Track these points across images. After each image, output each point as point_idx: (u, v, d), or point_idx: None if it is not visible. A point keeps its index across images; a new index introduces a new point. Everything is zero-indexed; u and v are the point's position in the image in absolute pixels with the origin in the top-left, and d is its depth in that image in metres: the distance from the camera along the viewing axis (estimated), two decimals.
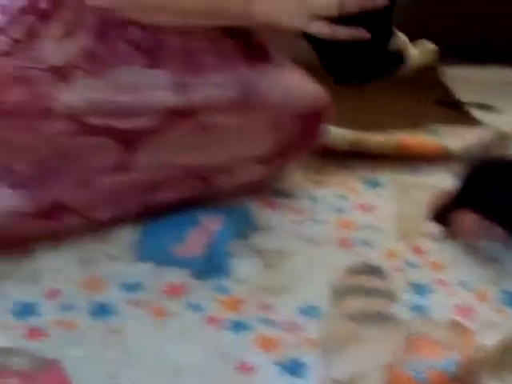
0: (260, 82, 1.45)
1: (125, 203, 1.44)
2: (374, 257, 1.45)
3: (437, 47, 2.13)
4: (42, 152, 1.31)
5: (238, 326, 1.27)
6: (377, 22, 0.96)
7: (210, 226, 1.47)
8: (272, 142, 1.48)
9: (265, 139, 1.47)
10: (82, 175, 1.36)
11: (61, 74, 1.29)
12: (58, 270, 1.37)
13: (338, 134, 1.77)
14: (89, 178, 1.36)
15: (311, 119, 1.52)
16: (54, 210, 1.38)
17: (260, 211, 1.53)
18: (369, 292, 1.36)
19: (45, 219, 1.38)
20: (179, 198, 1.48)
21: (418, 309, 1.33)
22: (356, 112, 2.00)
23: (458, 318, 1.32)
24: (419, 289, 1.38)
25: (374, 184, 1.68)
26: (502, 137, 1.90)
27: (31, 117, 1.28)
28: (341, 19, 1.11)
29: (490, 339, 1.26)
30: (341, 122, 1.75)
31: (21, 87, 1.27)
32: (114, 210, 1.44)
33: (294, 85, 1.49)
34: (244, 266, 1.40)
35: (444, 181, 1.65)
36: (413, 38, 2.07)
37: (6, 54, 1.29)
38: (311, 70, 1.54)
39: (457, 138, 1.87)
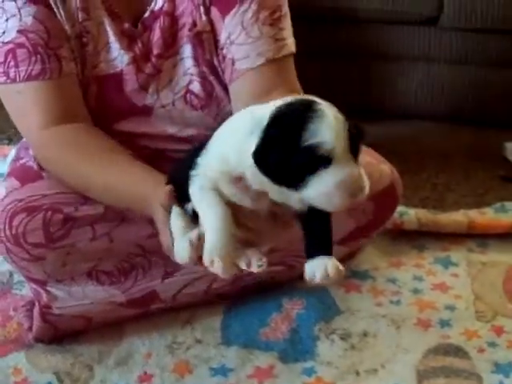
0: None
1: (211, 289, 1.49)
2: (455, 337, 1.47)
3: None
4: (125, 253, 1.40)
5: None
6: None
7: (292, 309, 1.51)
8: (353, 224, 1.52)
9: (346, 222, 1.52)
10: (168, 268, 1.43)
11: None
12: (149, 355, 1.43)
13: (407, 213, 1.81)
14: (174, 269, 1.43)
15: (385, 199, 1.56)
16: (145, 299, 1.45)
17: (341, 294, 1.57)
18: (454, 373, 1.37)
19: (137, 307, 1.45)
20: (262, 283, 1.53)
21: None
22: (419, 189, 2.05)
23: None
24: (504, 369, 1.39)
25: (447, 263, 1.70)
26: None
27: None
28: None
29: None
30: (404, 200, 1.77)
31: None
32: (199, 295, 1.50)
33: (371, 167, 1.53)
34: (329, 349, 1.43)
35: None
36: None
37: None
38: None
39: None
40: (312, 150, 0.93)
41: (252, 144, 0.95)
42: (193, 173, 1.03)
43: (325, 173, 0.94)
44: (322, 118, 0.94)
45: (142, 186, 1.19)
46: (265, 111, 0.98)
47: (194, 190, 1.03)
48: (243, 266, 1.03)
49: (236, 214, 1.02)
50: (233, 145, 0.99)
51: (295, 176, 0.94)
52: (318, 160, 0.93)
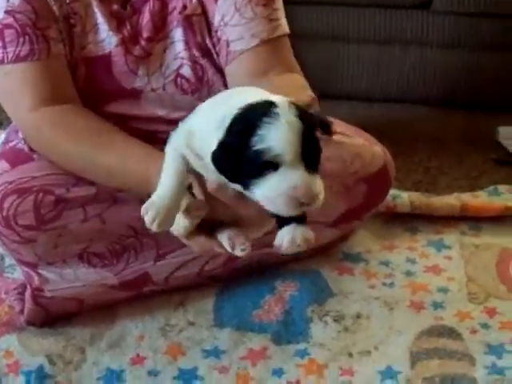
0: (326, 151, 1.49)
1: (203, 272, 1.49)
2: (448, 319, 1.47)
3: None
4: (116, 235, 1.39)
5: None
6: None
7: (286, 291, 1.50)
8: (345, 206, 1.52)
9: (337, 204, 1.51)
10: (161, 249, 1.42)
11: None
12: (141, 337, 1.43)
13: (400, 196, 1.81)
14: (167, 251, 1.43)
15: (378, 180, 1.56)
16: (138, 281, 1.44)
17: (334, 276, 1.57)
18: (447, 355, 1.38)
19: (129, 289, 1.45)
20: (253, 265, 1.52)
21: (498, 371, 1.34)
22: (411, 172, 2.05)
23: None
24: (496, 350, 1.39)
25: (440, 246, 1.70)
26: None
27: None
28: None
29: None
30: (397, 183, 1.77)
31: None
32: (191, 277, 1.49)
33: (363, 148, 1.53)
34: (323, 331, 1.43)
35: (510, 241, 1.68)
36: None
37: None
38: None
39: None
40: (258, 155, 0.91)
41: (214, 140, 0.94)
42: (173, 132, 1.04)
43: (270, 178, 0.92)
44: (273, 124, 0.92)
45: (142, 164, 1.18)
46: (236, 105, 0.95)
47: (167, 148, 1.03)
48: (227, 248, 1.02)
49: (204, 186, 1.01)
50: (201, 130, 0.99)
51: (245, 179, 0.94)
52: (265, 165, 0.92)
